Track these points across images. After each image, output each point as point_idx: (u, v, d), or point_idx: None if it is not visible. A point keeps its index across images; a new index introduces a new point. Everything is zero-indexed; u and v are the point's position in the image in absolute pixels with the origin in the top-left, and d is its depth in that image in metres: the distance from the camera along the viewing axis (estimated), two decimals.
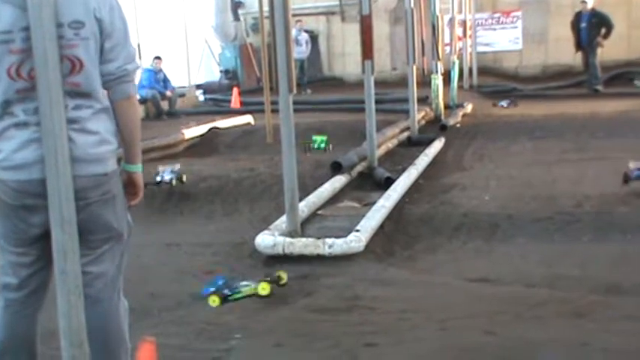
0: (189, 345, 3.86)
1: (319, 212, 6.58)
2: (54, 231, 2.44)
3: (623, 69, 17.60)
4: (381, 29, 18.76)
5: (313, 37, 20.14)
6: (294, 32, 15.45)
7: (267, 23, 7.32)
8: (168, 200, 7.60)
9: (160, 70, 15.42)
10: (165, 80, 15.53)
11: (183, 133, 11.08)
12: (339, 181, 7.53)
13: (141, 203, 2.91)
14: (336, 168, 7.85)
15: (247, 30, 20.90)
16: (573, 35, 16.22)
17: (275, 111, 7.24)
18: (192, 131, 11.40)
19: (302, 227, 5.79)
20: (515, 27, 20.15)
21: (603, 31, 15.79)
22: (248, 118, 13.29)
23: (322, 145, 9.85)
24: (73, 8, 2.51)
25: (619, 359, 3.45)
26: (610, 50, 16.58)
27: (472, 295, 4.53)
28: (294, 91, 5.71)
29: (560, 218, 6.29)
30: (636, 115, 12.10)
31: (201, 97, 18.52)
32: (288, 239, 5.43)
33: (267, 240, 5.45)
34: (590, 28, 15.76)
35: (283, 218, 5.78)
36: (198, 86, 19.31)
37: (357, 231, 5.51)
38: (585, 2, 15.94)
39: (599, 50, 15.94)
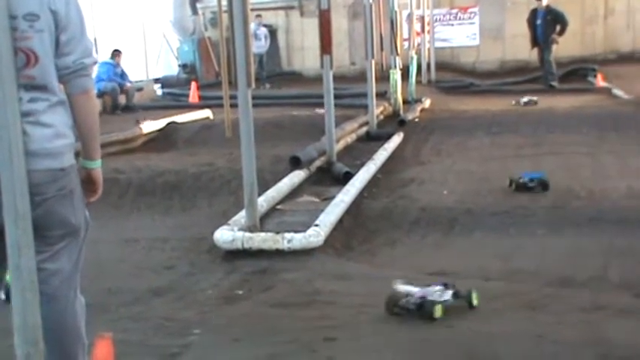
0: (148, 341, 3.82)
1: (278, 207, 6.57)
2: (8, 226, 2.39)
3: (578, 65, 17.89)
4: (339, 24, 18.81)
5: (272, 32, 20.10)
6: (252, 27, 15.40)
7: (225, 17, 7.26)
8: (125, 195, 7.52)
9: (118, 65, 15.27)
10: (123, 74, 15.41)
11: (141, 128, 10.97)
12: (297, 176, 7.53)
13: (98, 198, 2.87)
14: (295, 163, 7.84)
15: (206, 24, 20.78)
16: (529, 32, 16.42)
17: (234, 105, 7.20)
18: (151, 126, 11.29)
19: (261, 222, 5.78)
20: (473, 23, 20.37)
21: (558, 28, 16.01)
22: (207, 113, 13.21)
23: None
24: (27, 0, 2.47)
25: (570, 350, 3.51)
26: (565, 47, 16.84)
27: None
28: (253, 85, 5.69)
29: (517, 212, 6.38)
30: (591, 110, 12.29)
31: (159, 92, 18.36)
32: (247, 234, 5.41)
33: (226, 235, 5.43)
34: (546, 25, 15.97)
35: (242, 213, 5.76)
36: (156, 80, 19.14)
37: (316, 226, 5.51)
38: None
39: (554, 47, 16.17)
